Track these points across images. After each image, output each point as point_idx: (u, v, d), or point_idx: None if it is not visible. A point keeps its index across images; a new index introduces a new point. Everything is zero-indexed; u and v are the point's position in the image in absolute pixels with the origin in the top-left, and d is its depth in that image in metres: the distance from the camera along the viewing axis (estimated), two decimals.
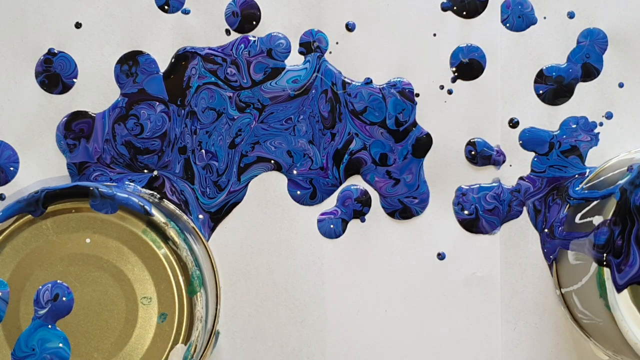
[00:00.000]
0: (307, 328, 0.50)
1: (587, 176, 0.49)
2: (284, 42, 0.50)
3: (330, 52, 0.50)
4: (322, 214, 0.50)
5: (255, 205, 0.50)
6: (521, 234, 0.50)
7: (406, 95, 0.50)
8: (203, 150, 0.50)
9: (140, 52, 0.50)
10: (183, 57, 0.50)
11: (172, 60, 0.50)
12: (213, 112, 0.50)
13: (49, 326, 0.45)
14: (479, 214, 0.50)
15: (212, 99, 0.50)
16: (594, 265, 0.45)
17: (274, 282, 0.50)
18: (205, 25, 0.50)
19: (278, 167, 0.50)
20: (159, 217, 0.46)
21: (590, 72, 0.50)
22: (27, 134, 0.49)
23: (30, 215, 0.45)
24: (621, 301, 0.45)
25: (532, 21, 0.50)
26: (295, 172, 0.50)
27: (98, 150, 0.49)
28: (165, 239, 0.46)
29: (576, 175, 0.50)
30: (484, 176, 0.50)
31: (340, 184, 0.50)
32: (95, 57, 0.49)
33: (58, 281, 0.45)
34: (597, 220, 0.46)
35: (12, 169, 0.49)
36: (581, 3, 0.50)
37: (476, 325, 0.50)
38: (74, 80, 0.49)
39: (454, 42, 0.50)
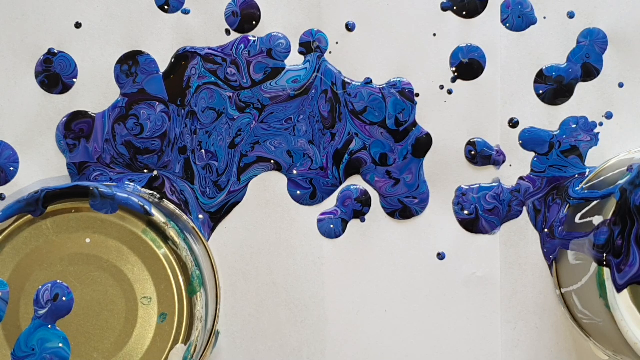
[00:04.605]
0: (307, 328, 0.50)
1: (587, 176, 0.49)
2: (284, 42, 0.50)
3: (330, 52, 0.50)
4: (322, 214, 0.50)
5: (255, 205, 0.50)
6: (521, 234, 0.50)
7: (406, 95, 0.50)
8: (203, 150, 0.50)
9: (140, 52, 0.50)
10: (183, 57, 0.50)
11: (172, 60, 0.50)
12: (213, 112, 0.50)
13: (49, 326, 0.45)
14: (479, 214, 0.50)
15: (212, 99, 0.50)
16: (594, 265, 0.45)
17: (274, 282, 0.50)
18: (205, 25, 0.50)
19: (278, 167, 0.50)
20: (159, 217, 0.46)
21: (590, 72, 0.50)
22: (27, 134, 0.49)
23: (30, 215, 0.45)
24: (621, 301, 0.45)
25: (532, 21, 0.50)
26: (295, 172, 0.50)
27: (98, 150, 0.49)
28: (165, 239, 0.46)
29: (576, 175, 0.50)
30: (484, 176, 0.50)
31: (340, 184, 0.50)
32: (95, 57, 0.49)
33: (58, 281, 0.45)
34: (597, 220, 0.46)
35: (12, 169, 0.49)
36: (581, 3, 0.50)
37: (476, 325, 0.50)
38: (74, 80, 0.49)
39: (454, 42, 0.50)
